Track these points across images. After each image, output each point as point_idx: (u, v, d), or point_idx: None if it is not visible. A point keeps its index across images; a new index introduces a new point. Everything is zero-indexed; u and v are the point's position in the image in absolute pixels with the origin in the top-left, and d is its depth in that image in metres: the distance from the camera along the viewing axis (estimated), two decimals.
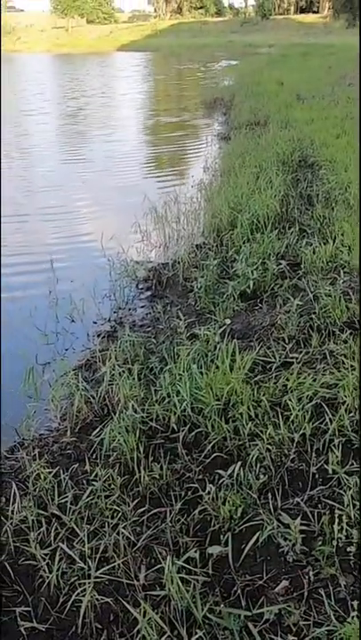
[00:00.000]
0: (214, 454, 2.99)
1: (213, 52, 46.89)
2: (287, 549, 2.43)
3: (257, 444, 2.95)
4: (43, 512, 2.73)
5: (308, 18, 68.66)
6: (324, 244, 5.28)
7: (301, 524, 2.47)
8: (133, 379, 3.54)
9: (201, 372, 3.44)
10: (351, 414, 3.07)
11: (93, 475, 2.90)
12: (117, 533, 2.53)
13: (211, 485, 2.70)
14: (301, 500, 2.65)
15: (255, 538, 2.47)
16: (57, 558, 2.44)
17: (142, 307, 5.10)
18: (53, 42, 72.64)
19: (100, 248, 6.32)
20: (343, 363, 3.51)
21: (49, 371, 4.18)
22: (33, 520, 2.65)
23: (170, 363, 3.62)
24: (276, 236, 5.56)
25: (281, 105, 13.36)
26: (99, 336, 4.62)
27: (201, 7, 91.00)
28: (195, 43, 57.31)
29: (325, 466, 2.82)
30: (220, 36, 61.52)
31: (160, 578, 2.35)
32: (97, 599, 2.27)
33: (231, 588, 2.32)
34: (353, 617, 2.07)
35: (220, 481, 2.77)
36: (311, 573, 2.32)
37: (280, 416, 3.10)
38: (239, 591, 2.28)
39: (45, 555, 2.50)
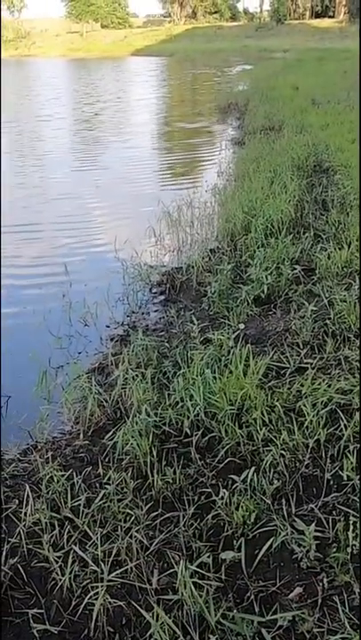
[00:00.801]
0: (228, 459, 3.00)
1: (228, 57, 47.03)
2: (301, 556, 2.43)
3: (271, 450, 2.95)
4: (56, 515, 2.75)
5: (324, 23, 68.60)
6: (340, 249, 5.28)
7: (316, 531, 2.47)
8: (147, 382, 3.55)
9: (214, 377, 3.45)
10: None
11: (106, 478, 2.92)
12: (130, 537, 2.54)
13: (224, 490, 2.71)
14: (316, 506, 2.65)
15: (269, 544, 2.47)
16: (70, 561, 2.45)
17: (156, 311, 5.12)
18: (68, 46, 73.37)
19: (114, 252, 6.36)
20: (358, 368, 3.51)
21: (62, 374, 4.20)
22: (46, 523, 2.67)
23: (183, 367, 3.63)
24: (290, 241, 5.57)
25: (296, 110, 13.38)
26: (112, 340, 4.65)
27: (216, 12, 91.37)
28: (209, 47, 57.53)
29: (340, 472, 2.82)
30: (235, 40, 61.70)
31: (173, 582, 2.36)
32: (109, 602, 2.28)
33: (244, 593, 2.32)
34: None
35: (234, 486, 2.78)
36: (325, 580, 2.31)
37: (294, 421, 3.11)
38: (252, 597, 2.29)
39: (58, 557, 2.51)
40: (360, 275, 4.82)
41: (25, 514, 2.74)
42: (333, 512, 2.62)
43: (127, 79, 37.62)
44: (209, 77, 33.55)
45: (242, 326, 4.34)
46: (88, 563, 2.46)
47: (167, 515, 2.71)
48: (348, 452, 2.87)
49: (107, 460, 3.13)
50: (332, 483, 2.79)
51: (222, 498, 2.70)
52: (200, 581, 2.30)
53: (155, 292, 5.47)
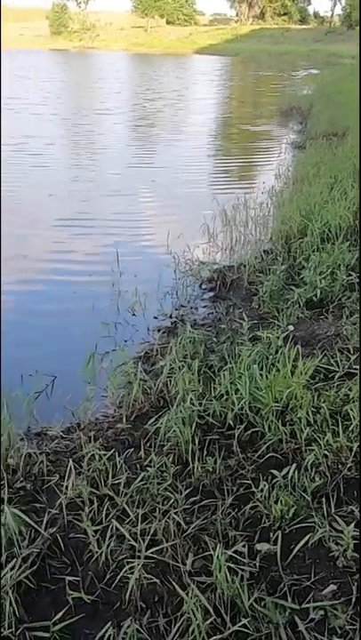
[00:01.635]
0: (269, 454, 3.07)
1: (294, 60, 46.95)
2: (338, 554, 2.47)
3: (314, 450, 3.00)
4: (95, 491, 2.87)
5: None
6: None
7: (354, 531, 2.51)
8: (192, 374, 3.65)
9: (261, 374, 3.51)
10: None
11: (147, 461, 3.03)
12: (168, 519, 2.63)
13: (265, 483, 2.77)
14: (356, 508, 2.69)
15: (306, 539, 2.53)
16: (107, 535, 2.56)
17: (204, 306, 5.22)
18: (132, 41, 74.50)
19: (166, 247, 6.49)
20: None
21: (107, 359, 4.33)
22: (86, 498, 2.79)
23: (230, 362, 3.71)
24: (347, 248, 5.58)
25: None
26: (159, 331, 4.77)
27: (285, 14, 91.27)
28: (276, 49, 57.51)
29: None
30: (303, 44, 61.49)
31: (207, 566, 2.45)
32: (145, 577, 2.38)
33: (278, 584, 2.38)
34: None
35: (274, 481, 2.84)
36: None
37: (340, 424, 3.15)
38: (286, 588, 2.35)
39: (96, 531, 2.63)
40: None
41: (66, 487, 2.87)
42: None
43: (189, 77, 37.94)
44: (273, 80, 33.56)
45: (291, 328, 4.39)
46: (125, 539, 2.57)
47: (205, 502, 2.79)
48: None
49: (148, 444, 3.24)
50: None
51: (262, 490, 2.77)
52: (235, 566, 2.37)
53: (204, 288, 5.57)
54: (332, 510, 2.68)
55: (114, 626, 2.22)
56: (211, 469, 2.97)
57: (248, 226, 7.09)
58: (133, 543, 2.52)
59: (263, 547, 2.56)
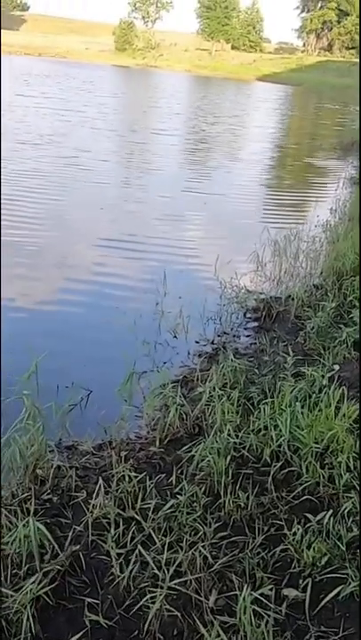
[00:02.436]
0: (304, 497, 3.02)
1: (357, 95, 46.96)
2: None
3: (352, 497, 2.95)
4: (122, 513, 2.87)
5: None
6: None
7: None
8: (232, 404, 3.63)
9: (302, 412, 3.48)
10: None
11: (178, 488, 3.01)
12: (194, 551, 2.61)
13: (299, 526, 2.73)
14: None
15: (337, 591, 2.47)
16: (131, 560, 2.55)
17: (248, 336, 5.21)
18: (195, 62, 75.91)
19: (214, 272, 6.51)
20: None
21: (144, 380, 4.35)
22: (113, 519, 2.79)
23: (271, 396, 3.69)
24: None
25: None
26: (199, 356, 4.77)
27: (353, 47, 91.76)
28: (340, 82, 57.78)
29: None
30: None
31: (231, 606, 2.41)
32: (166, 609, 2.35)
33: (304, 635, 2.33)
34: None
35: (308, 525, 2.79)
36: None
37: None
38: (312, 639, 2.29)
39: (119, 554, 2.62)
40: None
41: (92, 505, 2.88)
42: None
43: (250, 103, 38.42)
44: (335, 113, 33.72)
45: (337, 367, 4.34)
46: (149, 566, 2.55)
47: (234, 538, 2.76)
48: None
49: (180, 471, 3.22)
50: None
51: (294, 534, 2.72)
52: (260, 610, 2.33)
53: (249, 317, 5.56)
54: None
55: None
56: (242, 505, 2.94)
57: (299, 258, 7.08)
58: (157, 572, 2.50)
59: (291, 592, 2.51)
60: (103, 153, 14.29)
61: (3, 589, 2.38)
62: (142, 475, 3.11)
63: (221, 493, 3.00)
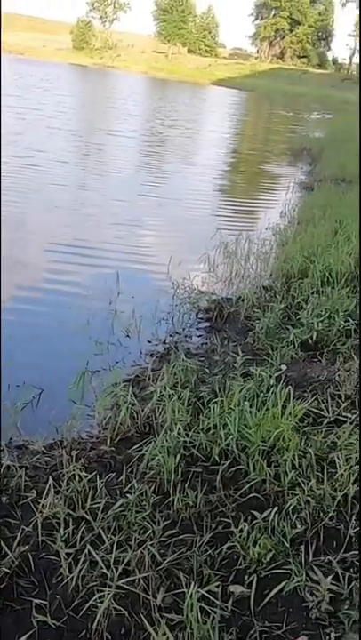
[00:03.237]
0: (251, 494, 3.04)
1: (309, 103, 47.84)
2: (312, 605, 2.44)
3: (297, 494, 2.98)
4: (72, 512, 2.83)
5: None
6: None
7: (331, 584, 2.49)
8: (182, 403, 3.63)
9: (251, 412, 3.50)
10: None
11: (128, 487, 2.99)
12: (143, 549, 2.59)
13: (245, 524, 2.74)
14: (334, 559, 2.66)
15: (281, 587, 2.50)
16: (80, 560, 2.52)
17: (199, 336, 5.22)
18: (151, 65, 75.65)
19: (167, 273, 6.49)
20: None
21: (96, 378, 4.31)
22: (62, 518, 2.75)
23: (221, 395, 3.70)
24: (346, 294, 5.62)
25: None
26: (151, 355, 4.76)
27: (304, 56, 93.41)
28: (291, 90, 58.67)
29: None
30: (318, 87, 62.79)
31: (178, 603, 2.40)
32: (114, 608, 2.33)
33: (248, 630, 2.34)
34: None
35: (254, 522, 2.81)
36: (333, 635, 2.32)
37: (325, 471, 3.13)
38: (256, 635, 2.31)
39: (68, 554, 2.58)
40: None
41: (42, 505, 2.83)
42: (351, 569, 2.62)
43: (206, 107, 38.57)
44: (286, 119, 34.15)
45: (284, 367, 4.39)
46: (98, 565, 2.52)
47: (182, 536, 2.76)
48: None
49: (130, 470, 3.20)
50: (353, 540, 2.80)
51: (241, 531, 2.73)
52: (207, 606, 2.33)
53: (201, 318, 5.58)
54: (310, 559, 2.66)
55: None
56: (191, 503, 2.94)
57: (249, 260, 7.14)
58: (106, 571, 2.48)
59: (237, 589, 2.52)
60: (59, 153, 13.86)
61: None
62: (93, 474, 3.08)
63: (171, 492, 2.99)
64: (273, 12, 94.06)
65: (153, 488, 3.02)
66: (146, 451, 3.24)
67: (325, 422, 3.67)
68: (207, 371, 4.31)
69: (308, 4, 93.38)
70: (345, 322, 4.99)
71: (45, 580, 2.52)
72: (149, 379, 4.18)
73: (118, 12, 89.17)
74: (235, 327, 5.34)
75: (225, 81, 66.90)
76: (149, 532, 2.72)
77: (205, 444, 3.33)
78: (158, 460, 3.15)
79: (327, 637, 2.32)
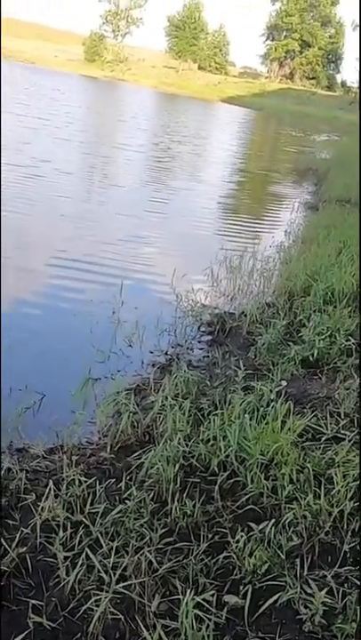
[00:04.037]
0: (248, 506, 3.07)
1: (316, 124, 48.27)
2: (305, 618, 2.47)
3: (293, 508, 3.02)
4: (71, 516, 2.86)
5: None
6: None
7: (325, 598, 2.52)
8: (183, 414, 3.67)
9: (250, 425, 3.55)
10: None
11: (127, 494, 3.03)
12: (140, 556, 2.62)
13: (242, 534, 2.78)
14: (329, 573, 2.69)
15: (275, 598, 2.53)
16: (78, 563, 2.55)
17: (201, 349, 5.27)
18: (161, 80, 76.27)
19: (171, 285, 6.55)
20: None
21: (98, 386, 4.35)
22: (62, 522, 2.78)
23: (222, 407, 3.75)
24: (348, 313, 5.68)
25: None
26: (153, 366, 4.81)
27: (313, 78, 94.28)
28: (299, 110, 59.21)
29: (359, 548, 2.86)
30: (326, 109, 63.30)
31: (173, 610, 2.43)
32: (110, 612, 2.36)
33: (242, 639, 2.37)
34: None
35: (251, 534, 2.84)
36: None
37: (322, 487, 3.17)
38: None
39: (66, 557, 2.62)
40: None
41: (42, 508, 2.86)
42: (345, 584, 2.66)
43: (214, 124, 38.90)
44: (293, 139, 34.47)
45: (284, 383, 4.44)
46: (94, 570, 2.55)
47: (179, 544, 2.79)
48: None
49: (129, 477, 3.23)
50: (348, 555, 2.84)
51: (237, 542, 2.77)
52: (202, 614, 2.36)
53: (203, 331, 5.64)
54: (305, 572, 2.69)
55: None
56: (189, 512, 2.97)
57: (253, 276, 7.22)
58: (103, 575, 2.51)
59: (232, 599, 2.55)
60: (67, 164, 13.77)
61: None
62: (92, 479, 3.11)
63: (169, 500, 3.03)
64: (284, 34, 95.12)
65: (151, 496, 3.05)
66: (145, 459, 3.28)
67: (324, 439, 3.71)
68: (208, 383, 4.36)
69: (320, 27, 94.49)
70: (346, 341, 5.05)
71: (42, 581, 2.55)
72: (151, 388, 4.23)
73: (131, 26, 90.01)
74: (237, 341, 5.39)
75: (234, 99, 67.46)
76: (147, 538, 2.75)
77: (205, 455, 3.37)
78: (157, 468, 3.19)
79: None
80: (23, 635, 2.29)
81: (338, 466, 3.36)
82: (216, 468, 3.28)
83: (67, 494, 3.01)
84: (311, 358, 4.83)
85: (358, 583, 2.63)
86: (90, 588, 2.49)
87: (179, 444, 3.37)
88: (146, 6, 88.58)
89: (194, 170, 18.11)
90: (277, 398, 3.90)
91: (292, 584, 2.59)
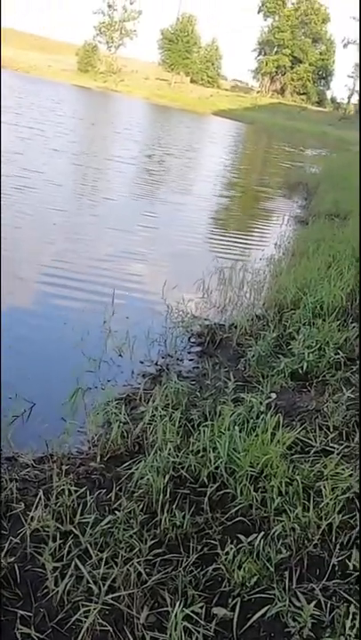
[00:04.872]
0: (238, 518, 3.07)
1: (305, 139, 48.70)
2: (294, 631, 2.47)
3: (282, 521, 3.02)
4: (60, 526, 2.84)
5: None
6: None
7: (313, 611, 2.52)
8: (173, 424, 3.67)
9: (240, 437, 3.55)
10: None
11: (116, 504, 3.02)
12: (129, 567, 2.61)
13: (232, 546, 2.78)
14: (317, 586, 2.70)
15: (264, 611, 2.52)
16: (68, 574, 2.53)
17: (191, 360, 5.28)
18: (154, 92, 76.69)
19: (162, 296, 6.56)
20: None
21: (88, 395, 4.34)
22: (52, 532, 2.77)
23: (211, 419, 3.75)
24: (337, 327, 5.72)
25: None
26: (143, 376, 4.81)
27: (304, 93, 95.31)
28: (290, 125, 59.70)
29: (347, 561, 2.87)
30: (316, 124, 63.97)
31: (162, 622, 2.42)
32: (99, 623, 2.34)
33: None
34: None
35: (240, 546, 2.84)
36: None
37: (311, 499, 3.17)
38: None
39: (55, 568, 2.60)
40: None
41: (31, 518, 2.84)
42: (334, 597, 2.66)
43: (206, 136, 39.07)
44: (283, 153, 34.73)
45: (274, 395, 4.45)
46: (83, 580, 2.54)
47: (168, 555, 2.78)
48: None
49: (119, 488, 3.22)
50: (337, 569, 2.84)
51: (227, 554, 2.76)
52: (191, 626, 2.35)
53: (193, 342, 5.65)
54: (294, 585, 2.69)
55: None
56: (178, 523, 2.96)
57: (243, 288, 7.25)
58: (92, 586, 2.49)
59: (220, 611, 2.55)
60: (58, 176, 13.64)
61: None
62: (82, 489, 3.10)
63: (158, 511, 3.02)
64: (275, 49, 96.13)
65: (141, 507, 3.04)
66: (135, 470, 3.27)
67: (313, 451, 3.71)
68: (198, 394, 4.37)
69: (310, 44, 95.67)
70: (335, 354, 5.07)
71: (31, 592, 2.53)
72: (141, 399, 4.22)
73: (125, 37, 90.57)
74: (226, 353, 5.40)
75: (225, 112, 67.98)
76: (136, 549, 2.74)
77: (194, 466, 3.37)
78: (147, 479, 3.18)
79: None
80: None
81: (326, 479, 3.37)
82: (206, 480, 3.28)
83: (56, 504, 3.00)
84: (301, 371, 4.85)
85: (346, 596, 2.63)
86: (79, 598, 2.48)
87: (169, 454, 3.36)
88: (140, 19, 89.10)
89: (187, 184, 18.08)
90: (267, 410, 3.92)
91: (281, 597, 2.58)
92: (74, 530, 2.82)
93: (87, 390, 4.42)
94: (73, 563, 2.61)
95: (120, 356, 5.16)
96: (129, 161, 19.15)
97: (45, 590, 2.53)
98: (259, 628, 2.50)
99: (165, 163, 20.85)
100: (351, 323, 6.08)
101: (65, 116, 29.98)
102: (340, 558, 2.88)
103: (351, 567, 2.82)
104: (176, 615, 2.34)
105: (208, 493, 3.19)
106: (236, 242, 11.03)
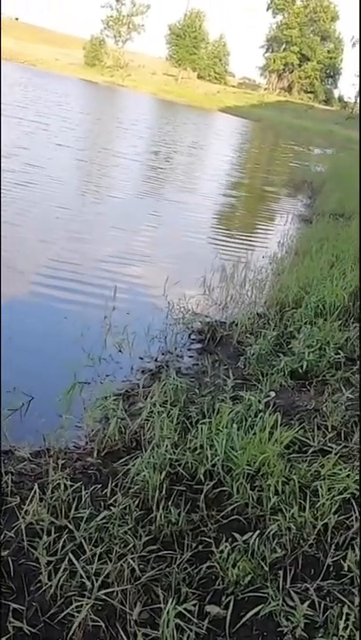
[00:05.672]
0: (233, 517, 3.07)
1: (312, 137, 48.58)
2: (287, 631, 2.46)
3: (278, 520, 3.01)
4: (55, 521, 2.84)
5: None
6: None
7: (306, 611, 2.51)
8: (171, 421, 3.67)
9: (238, 435, 3.54)
10: None
11: (112, 500, 3.01)
12: (123, 562, 2.61)
13: (227, 544, 2.77)
14: (311, 586, 2.69)
15: (257, 610, 2.52)
16: (61, 568, 2.53)
17: (190, 357, 5.27)
18: (160, 87, 76.53)
19: (163, 292, 6.55)
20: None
21: (86, 390, 4.34)
22: (46, 526, 2.76)
23: (209, 416, 3.74)
24: (338, 327, 5.70)
25: None
26: (142, 372, 4.80)
27: (311, 92, 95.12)
28: (296, 123, 59.54)
29: (342, 561, 2.86)
30: (323, 123, 63.81)
31: (154, 618, 2.42)
32: (91, 619, 2.34)
33: None
34: None
35: (235, 544, 2.84)
36: None
37: (307, 499, 3.17)
38: None
39: (49, 562, 2.60)
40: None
41: (26, 512, 2.84)
42: (328, 598, 2.65)
43: (212, 133, 39.00)
44: (289, 151, 34.65)
45: (273, 394, 4.44)
46: (77, 575, 2.53)
47: (163, 552, 2.78)
48: (356, 543, 2.92)
49: (115, 483, 3.22)
50: (331, 569, 2.84)
51: (221, 552, 2.76)
52: (183, 623, 2.35)
53: (193, 339, 5.64)
54: (288, 585, 2.68)
55: None
56: (173, 520, 2.96)
57: (245, 286, 7.24)
58: (85, 581, 2.49)
59: (213, 609, 2.54)
60: (62, 172, 13.44)
61: None
62: (78, 484, 3.10)
63: (154, 508, 3.02)
64: (283, 46, 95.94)
65: (137, 503, 3.04)
66: (132, 465, 3.27)
67: (311, 451, 3.71)
68: (197, 391, 4.36)
69: (319, 42, 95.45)
70: (335, 354, 5.07)
71: (24, 585, 2.53)
72: (139, 395, 4.22)
73: (132, 32, 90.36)
74: (227, 351, 5.39)
75: (232, 109, 67.81)
76: (130, 545, 2.74)
77: (191, 464, 3.36)
78: (144, 475, 3.18)
79: None
80: (4, 639, 2.27)
81: (323, 479, 3.36)
82: (202, 477, 3.27)
83: (52, 498, 3.00)
84: (300, 370, 4.84)
85: (340, 597, 2.63)
86: (71, 593, 2.48)
87: (166, 451, 3.36)
88: (148, 13, 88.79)
89: (193, 182, 17.89)
90: (266, 409, 3.91)
91: (275, 596, 2.58)
92: (68, 524, 2.82)
93: (86, 385, 4.41)
94: (67, 557, 2.60)
95: (120, 351, 5.15)
96: (136, 158, 18.97)
97: (39, 584, 2.53)
98: (251, 626, 2.49)
99: (173, 160, 20.75)
100: (353, 323, 6.07)
101: (72, 110, 29.89)
102: (335, 559, 2.88)
103: (346, 568, 2.82)
104: (169, 612, 2.34)
105: (204, 491, 3.19)
106: (239, 239, 11.01)
